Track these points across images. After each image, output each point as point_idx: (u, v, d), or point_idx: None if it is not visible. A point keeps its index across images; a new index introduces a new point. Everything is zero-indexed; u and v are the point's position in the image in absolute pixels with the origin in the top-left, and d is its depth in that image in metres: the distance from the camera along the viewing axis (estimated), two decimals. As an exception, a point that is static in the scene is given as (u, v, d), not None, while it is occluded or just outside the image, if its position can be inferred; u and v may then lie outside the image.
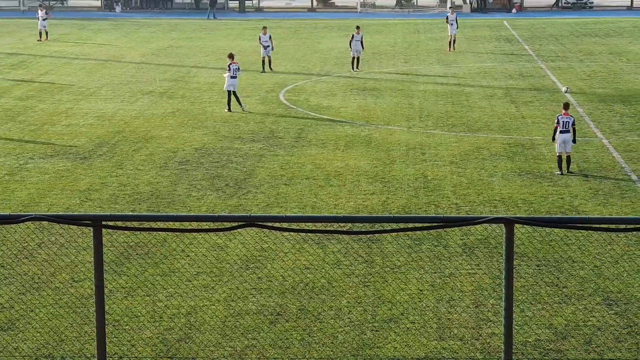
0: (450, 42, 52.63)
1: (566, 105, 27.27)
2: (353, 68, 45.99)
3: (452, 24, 52.40)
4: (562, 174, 26.39)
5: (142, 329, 16.34)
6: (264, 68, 45.56)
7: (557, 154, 26.69)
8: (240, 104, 35.96)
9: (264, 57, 45.71)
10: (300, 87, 41.70)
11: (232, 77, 35.94)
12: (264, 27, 47.05)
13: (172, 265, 19.27)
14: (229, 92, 36.10)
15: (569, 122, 26.57)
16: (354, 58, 46.10)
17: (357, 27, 47.51)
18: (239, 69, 36.32)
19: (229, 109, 35.77)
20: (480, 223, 10.93)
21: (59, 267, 19.13)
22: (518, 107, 36.54)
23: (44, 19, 58.88)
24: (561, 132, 26.51)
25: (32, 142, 30.99)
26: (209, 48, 55.21)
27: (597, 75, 43.78)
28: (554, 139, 26.83)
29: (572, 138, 26.54)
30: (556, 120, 26.83)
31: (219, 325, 16.50)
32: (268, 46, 45.54)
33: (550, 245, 20.07)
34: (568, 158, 26.55)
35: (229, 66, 36.11)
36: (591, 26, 64.58)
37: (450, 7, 57.23)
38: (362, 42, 45.89)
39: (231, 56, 36.72)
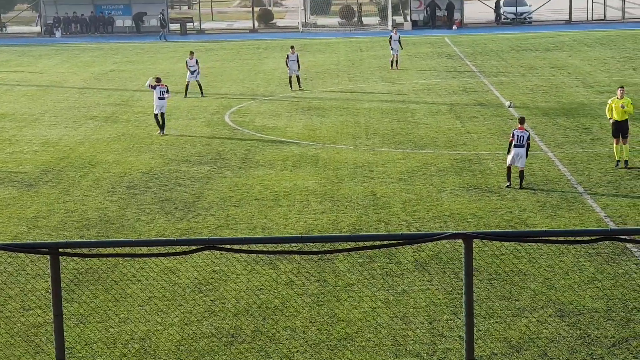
0: (392, 61, 52.79)
1: (522, 120, 27.45)
2: (291, 87, 45.91)
3: (394, 44, 52.48)
4: (510, 185, 26.61)
5: (96, 356, 16.14)
6: (186, 93, 44.51)
7: (507, 165, 26.88)
8: (162, 127, 35.77)
9: (189, 82, 44.92)
10: (245, 108, 41.65)
11: (160, 99, 35.81)
12: (191, 52, 45.95)
13: (124, 290, 19.08)
14: (155, 115, 35.98)
15: (523, 136, 26.77)
16: (290, 77, 46.07)
17: (292, 47, 47.52)
18: (167, 91, 36.20)
19: (162, 132, 35.67)
20: (440, 239, 10.97)
21: (9, 296, 18.85)
22: (463, 122, 36.81)
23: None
24: (515, 145, 26.72)
25: (-24, 170, 30.58)
26: (152, 71, 54.92)
27: (540, 89, 44.27)
28: (509, 152, 27.04)
29: (525, 153, 26.74)
30: (511, 134, 27.02)
31: (173, 349, 16.36)
32: (195, 70, 44.69)
33: (501, 258, 20.20)
34: (521, 173, 26.74)
35: (153, 86, 36.00)
36: (531, 41, 65.33)
37: (393, 27, 57.41)
38: (298, 61, 45.87)
39: (158, 80, 36.54)
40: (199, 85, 44.73)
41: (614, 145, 28.95)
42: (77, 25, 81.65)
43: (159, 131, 35.85)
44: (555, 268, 19.65)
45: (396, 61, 52.62)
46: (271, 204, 25.82)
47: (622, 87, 29.61)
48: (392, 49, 52.65)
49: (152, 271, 19.77)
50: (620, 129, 28.70)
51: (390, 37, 53.20)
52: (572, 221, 23.46)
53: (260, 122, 38.08)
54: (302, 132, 35.79)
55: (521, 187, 26.59)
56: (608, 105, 29.12)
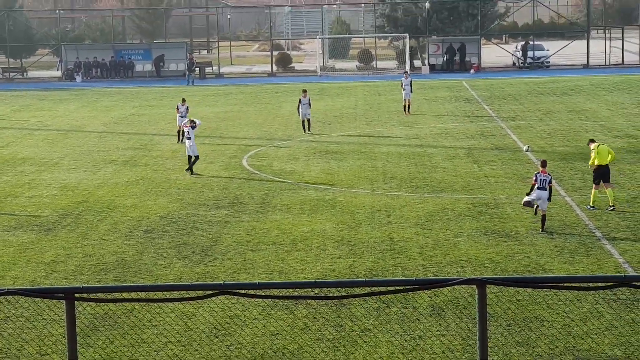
0: (405, 107, 52.63)
1: (544, 163, 27.55)
2: (305, 131, 46.14)
3: (405, 88, 52.40)
4: (536, 214, 27.05)
5: (111, 402, 16.11)
6: (179, 139, 43.84)
7: (529, 201, 26.98)
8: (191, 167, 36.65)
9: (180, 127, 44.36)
10: (263, 152, 41.80)
11: (188, 139, 36.45)
12: (183, 99, 45.86)
13: (140, 335, 19.08)
14: (189, 156, 36.51)
15: (546, 179, 26.80)
16: (303, 121, 46.32)
17: (304, 91, 47.66)
18: (192, 128, 36.68)
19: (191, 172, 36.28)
20: (453, 285, 10.94)
21: (26, 341, 18.88)
22: (480, 166, 36.82)
23: None
24: (539, 188, 26.75)
25: (-5, 214, 30.73)
26: (171, 115, 55.21)
27: (557, 134, 44.26)
28: (529, 193, 27.11)
29: (548, 196, 26.75)
30: (534, 177, 27.06)
31: (189, 395, 16.31)
32: (184, 116, 43.90)
33: (519, 304, 20.11)
34: (543, 217, 26.76)
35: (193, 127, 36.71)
36: (549, 85, 65.42)
37: (404, 72, 57.51)
38: (309, 104, 46.20)
39: (193, 122, 37.23)
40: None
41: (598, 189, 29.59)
42: (98, 70, 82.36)
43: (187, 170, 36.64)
44: (572, 314, 19.55)
45: (408, 106, 52.46)
46: (288, 248, 25.84)
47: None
48: (404, 91, 52.48)
49: (167, 316, 19.78)
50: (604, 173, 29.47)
51: (402, 82, 53.05)
52: (591, 266, 23.36)
53: (277, 165, 38.20)
54: (319, 176, 35.87)
55: (543, 231, 26.53)
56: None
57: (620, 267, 23.23)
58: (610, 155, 29.42)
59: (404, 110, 52.62)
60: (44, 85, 78.21)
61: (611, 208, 28.99)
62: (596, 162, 29.35)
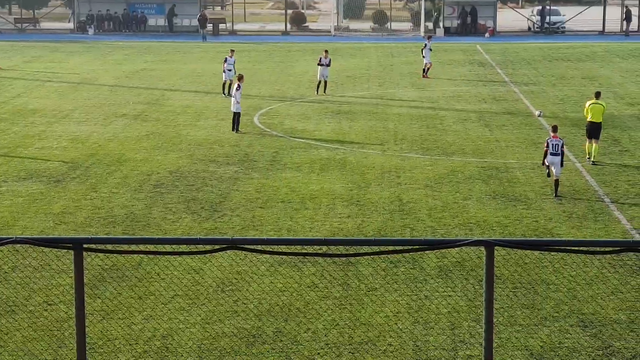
0: (425, 69, 52.34)
1: (555, 128, 27.55)
2: (317, 93, 45.80)
3: (424, 55, 52.00)
4: (549, 176, 27.13)
5: (117, 353, 16.25)
6: (224, 91, 44.87)
7: (547, 165, 27.03)
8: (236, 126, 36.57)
9: (225, 81, 45.15)
10: (275, 110, 41.75)
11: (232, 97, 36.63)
12: (231, 50, 45.93)
13: (148, 288, 19.19)
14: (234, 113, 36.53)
15: (558, 144, 26.76)
16: (320, 82, 45.99)
17: (326, 51, 47.31)
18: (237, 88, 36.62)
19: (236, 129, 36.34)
20: (461, 246, 10.96)
21: (33, 290, 19.01)
22: (492, 130, 36.73)
23: None
24: (551, 154, 26.72)
25: (5, 165, 30.82)
26: (183, 71, 55.22)
27: (570, 100, 44.09)
28: (543, 162, 27.15)
29: (560, 161, 26.74)
30: (545, 143, 27.03)
31: (195, 348, 16.43)
32: (230, 70, 44.83)
33: (526, 267, 20.15)
34: (556, 182, 26.76)
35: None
36: (564, 51, 65.07)
37: (428, 36, 57.11)
38: (329, 65, 45.87)
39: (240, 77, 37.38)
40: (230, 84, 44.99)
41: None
42: (110, 23, 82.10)
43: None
44: (578, 278, 19.58)
45: (427, 69, 52.20)
46: (297, 206, 25.88)
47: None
48: (423, 57, 52.19)
49: (175, 270, 19.88)
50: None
51: (425, 45, 52.55)
52: (598, 232, 23.36)
53: (289, 124, 38.17)
54: (330, 135, 35.83)
55: (556, 196, 26.52)
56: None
57: (628, 234, 23.24)
58: (600, 114, 31.11)
59: (424, 72, 52.07)
60: (56, 37, 78.03)
61: (590, 162, 30.73)
62: (588, 118, 31.19)
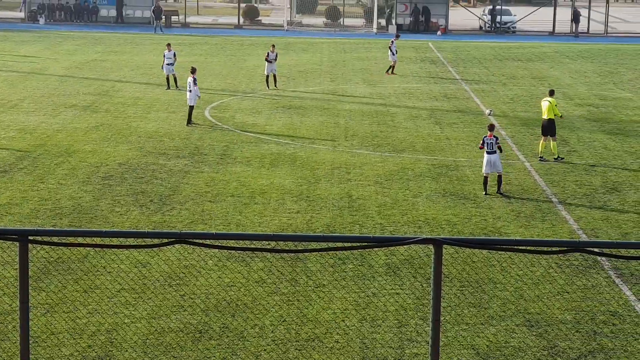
0: (391, 67, 52.03)
1: (491, 127, 27.75)
2: (268, 87, 45.74)
3: (393, 52, 51.88)
4: (487, 194, 26.70)
5: (61, 346, 16.06)
6: (169, 85, 44.87)
7: (484, 175, 27.00)
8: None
9: (168, 75, 44.95)
10: (226, 104, 41.57)
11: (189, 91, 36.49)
12: (168, 44, 45.65)
13: (94, 281, 19.00)
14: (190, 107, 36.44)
15: (492, 143, 26.95)
16: (268, 76, 45.93)
17: (273, 45, 47.29)
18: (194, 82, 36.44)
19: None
20: (409, 243, 10.93)
21: (-23, 282, 18.74)
22: (442, 128, 36.87)
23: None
24: (487, 152, 26.87)
25: (-49, 154, 30.38)
26: (134, 62, 54.80)
27: (520, 99, 44.39)
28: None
29: (498, 157, 26.90)
30: (481, 142, 27.25)
31: (140, 343, 16.30)
32: (171, 63, 44.72)
33: (474, 266, 20.23)
34: (499, 178, 26.92)
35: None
36: (514, 50, 65.50)
37: (396, 35, 57.00)
38: (276, 59, 45.86)
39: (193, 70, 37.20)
40: (174, 78, 44.69)
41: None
42: (62, 13, 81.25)
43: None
44: (525, 278, 19.70)
45: (393, 67, 52.01)
46: (247, 201, 25.79)
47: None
48: (393, 54, 51.96)
49: (122, 263, 19.70)
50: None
51: (392, 43, 52.44)
52: (545, 232, 23.53)
53: (240, 118, 38.03)
54: (281, 130, 35.76)
55: (499, 192, 26.71)
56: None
57: (575, 234, 23.43)
58: (548, 111, 31.53)
59: (390, 69, 51.91)
60: (6, 25, 77.03)
61: (555, 159, 31.36)
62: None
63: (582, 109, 42.03)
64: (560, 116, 32.37)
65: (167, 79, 44.85)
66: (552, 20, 78.69)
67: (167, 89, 44.33)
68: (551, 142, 31.42)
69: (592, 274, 20.21)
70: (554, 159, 31.31)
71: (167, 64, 44.62)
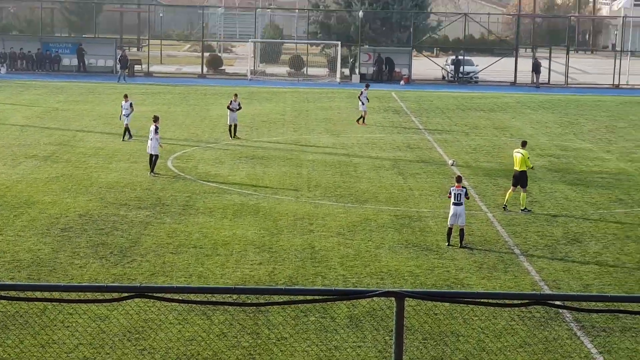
0: (361, 117, 52.15)
1: (459, 178, 27.82)
2: (231, 136, 45.75)
3: (363, 102, 52.10)
4: (449, 245, 26.69)
5: (17, 404, 15.74)
6: (124, 136, 44.42)
7: (448, 226, 27.01)
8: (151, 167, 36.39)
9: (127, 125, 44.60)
10: (189, 154, 41.44)
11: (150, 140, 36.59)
12: (125, 95, 45.88)
13: (51, 336, 18.70)
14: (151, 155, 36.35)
15: (460, 194, 27.00)
16: (230, 126, 45.97)
17: (235, 95, 47.41)
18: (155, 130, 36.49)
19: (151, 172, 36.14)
20: (371, 297, 10.82)
21: None
22: (405, 178, 36.93)
23: None
24: (454, 204, 26.90)
25: None
26: (96, 112, 54.59)
27: (482, 149, 44.62)
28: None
29: (464, 211, 26.97)
30: (449, 192, 27.30)
31: (98, 399, 16.01)
32: (128, 114, 44.55)
33: (436, 318, 20.14)
34: (461, 231, 26.91)
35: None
36: (477, 100, 65.98)
37: (366, 84, 57.14)
38: (239, 108, 46.00)
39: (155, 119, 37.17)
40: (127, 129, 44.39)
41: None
42: (24, 62, 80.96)
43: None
44: (487, 330, 19.63)
45: (364, 117, 52.12)
46: (209, 252, 25.60)
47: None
48: (362, 104, 52.14)
49: (80, 317, 19.42)
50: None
51: (361, 93, 52.69)
52: (508, 283, 23.51)
53: (203, 168, 37.90)
54: (244, 180, 35.66)
55: (461, 246, 26.70)
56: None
57: (537, 285, 23.43)
58: (520, 163, 31.72)
59: (360, 120, 52.05)
60: (-32, 74, 76.66)
61: (522, 210, 31.43)
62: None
63: (544, 159, 42.30)
64: (532, 167, 32.53)
65: (125, 129, 44.49)
66: (514, 71, 79.46)
67: (123, 140, 43.90)
68: (521, 193, 31.56)
69: (554, 327, 20.18)
70: (521, 209, 31.37)
71: (125, 115, 44.39)
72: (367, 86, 55.52)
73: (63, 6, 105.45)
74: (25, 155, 39.70)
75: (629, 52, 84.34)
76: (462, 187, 27.41)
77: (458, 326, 19.88)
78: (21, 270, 23.40)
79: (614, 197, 34.23)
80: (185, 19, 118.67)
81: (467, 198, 27.58)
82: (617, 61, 79.14)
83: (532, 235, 28.39)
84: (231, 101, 46.22)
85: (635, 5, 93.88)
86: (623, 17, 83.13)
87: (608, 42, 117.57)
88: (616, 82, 79.03)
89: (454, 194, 27.07)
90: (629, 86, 78.62)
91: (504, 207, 31.54)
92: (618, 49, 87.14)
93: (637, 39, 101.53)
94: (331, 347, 18.71)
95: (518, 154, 31.88)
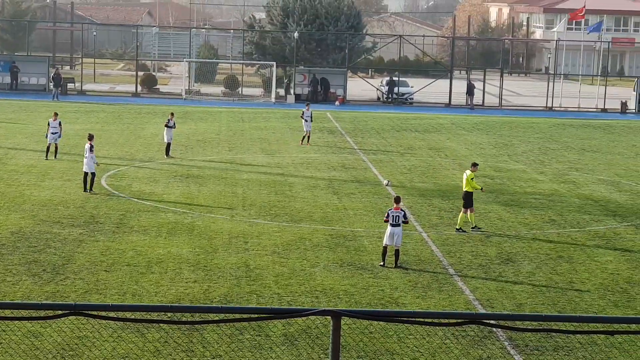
0: (305, 137, 52.34)
1: (397, 199, 27.91)
2: (167, 155, 45.61)
3: (306, 120, 52.31)
4: (384, 265, 26.81)
5: (-53, 422, 15.48)
6: (47, 155, 43.68)
7: (384, 245, 27.14)
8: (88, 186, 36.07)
9: (50, 143, 43.81)
10: (123, 172, 41.16)
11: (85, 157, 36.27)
12: (55, 113, 45.10)
13: (-17, 354, 18.42)
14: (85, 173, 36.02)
15: (399, 215, 27.13)
16: (168, 144, 45.85)
17: (172, 114, 47.36)
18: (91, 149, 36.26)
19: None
20: (308, 315, 10.86)
21: None
22: (340, 198, 37.05)
23: None
24: (391, 225, 27.03)
25: None
26: (29, 130, 54.00)
27: (417, 170, 44.95)
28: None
29: (401, 232, 27.11)
30: (386, 215, 27.35)
31: (30, 418, 15.80)
32: (57, 132, 43.84)
33: (371, 336, 20.21)
34: (396, 252, 27.03)
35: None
36: (411, 121, 66.49)
37: (306, 103, 57.08)
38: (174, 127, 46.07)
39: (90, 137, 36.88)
40: (56, 148, 43.79)
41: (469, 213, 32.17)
42: (-45, 79, 79.76)
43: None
44: (422, 349, 19.75)
45: (308, 137, 52.26)
46: (143, 270, 25.43)
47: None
48: (305, 122, 52.24)
49: (14, 334, 19.13)
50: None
51: (303, 112, 52.83)
52: (442, 302, 23.69)
53: (137, 187, 37.65)
54: (179, 199, 35.50)
55: (396, 266, 26.82)
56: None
57: (471, 304, 23.64)
58: (465, 184, 32.35)
59: (303, 140, 52.15)
60: None
61: (472, 228, 31.88)
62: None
63: (478, 180, 42.59)
64: (481, 189, 32.86)
65: (48, 147, 43.78)
66: (449, 92, 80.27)
67: (46, 159, 43.25)
68: (461, 213, 32.08)
69: (488, 345, 20.37)
70: (456, 229, 31.74)
71: (52, 133, 43.70)
72: (308, 105, 55.33)
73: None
74: (-44, 172, 39.10)
75: (562, 75, 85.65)
76: (401, 209, 27.54)
77: (393, 344, 19.97)
78: (-49, 287, 23.03)
79: (547, 218, 34.69)
80: (118, 37, 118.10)
81: (406, 222, 27.54)
82: (550, 84, 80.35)
83: (466, 255, 28.65)
84: (169, 119, 46.11)
85: (568, 29, 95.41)
86: (557, 40, 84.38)
87: (541, 65, 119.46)
88: (549, 105, 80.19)
89: (392, 215, 27.14)
90: (562, 108, 79.82)
91: (473, 228, 31.82)
92: (551, 72, 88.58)
93: (570, 62, 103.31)
94: (266, 365, 18.68)
95: (464, 175, 32.55)
